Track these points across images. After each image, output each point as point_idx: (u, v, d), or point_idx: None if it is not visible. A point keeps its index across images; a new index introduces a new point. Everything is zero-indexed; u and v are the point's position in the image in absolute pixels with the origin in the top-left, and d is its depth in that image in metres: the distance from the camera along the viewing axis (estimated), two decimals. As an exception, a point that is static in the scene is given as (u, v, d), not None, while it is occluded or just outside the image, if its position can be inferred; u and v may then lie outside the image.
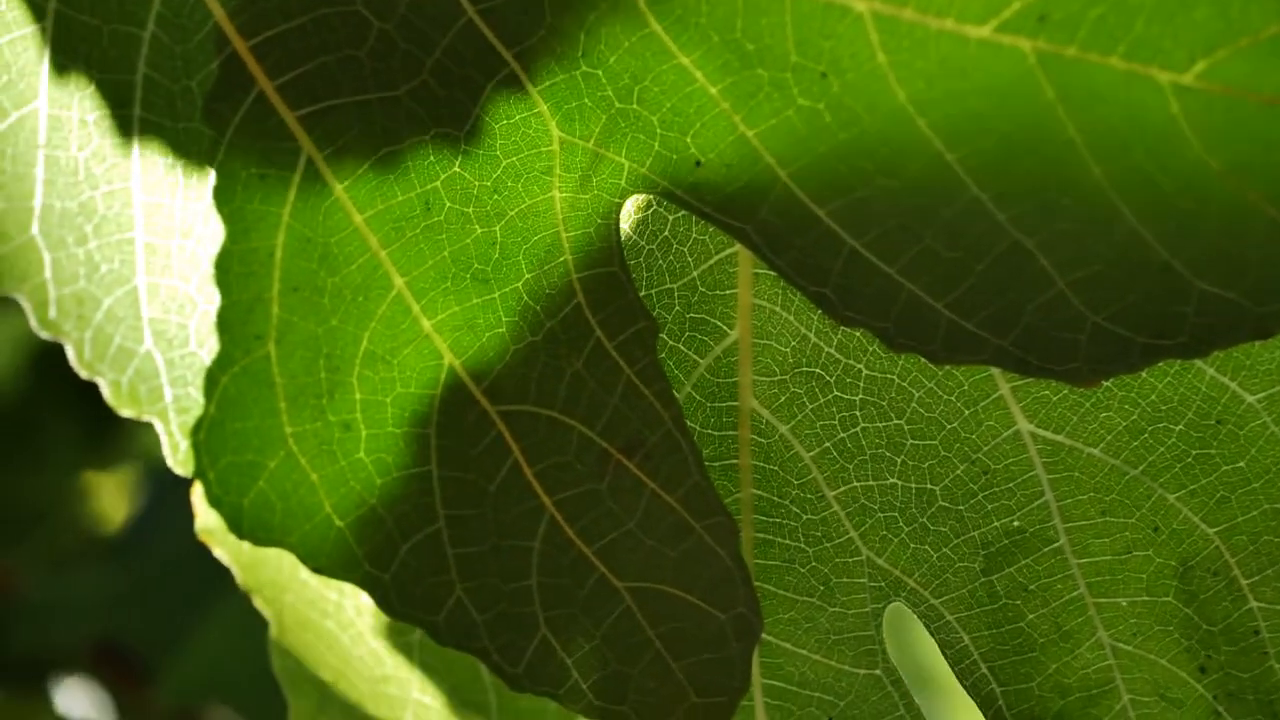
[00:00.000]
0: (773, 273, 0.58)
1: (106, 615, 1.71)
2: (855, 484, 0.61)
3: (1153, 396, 0.60)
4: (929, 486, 0.61)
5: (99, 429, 1.99)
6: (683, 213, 0.60)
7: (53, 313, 0.58)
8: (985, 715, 0.61)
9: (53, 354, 1.97)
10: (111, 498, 2.03)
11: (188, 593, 1.70)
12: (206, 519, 0.67)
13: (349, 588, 0.67)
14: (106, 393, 0.60)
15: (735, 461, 0.62)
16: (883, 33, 0.51)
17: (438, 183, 0.57)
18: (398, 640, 0.70)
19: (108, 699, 1.84)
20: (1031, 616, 0.61)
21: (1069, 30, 0.50)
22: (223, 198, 0.58)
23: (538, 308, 0.57)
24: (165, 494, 1.83)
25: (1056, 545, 0.61)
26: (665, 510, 0.56)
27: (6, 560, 1.84)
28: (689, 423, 0.57)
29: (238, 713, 1.69)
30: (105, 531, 1.99)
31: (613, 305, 0.56)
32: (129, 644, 1.71)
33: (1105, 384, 0.60)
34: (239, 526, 0.59)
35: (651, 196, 0.59)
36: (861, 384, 0.61)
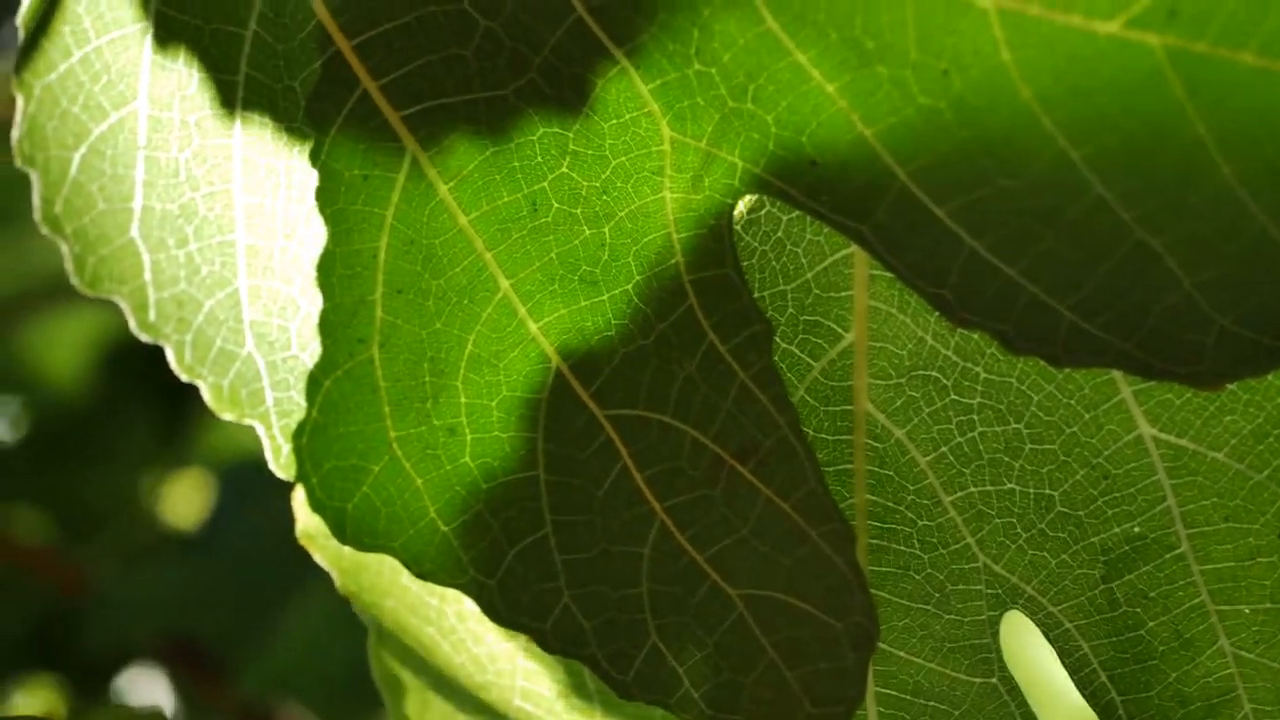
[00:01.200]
0: (889, 274, 0.57)
1: (180, 612, 1.71)
2: (972, 489, 0.60)
3: (1279, 400, 0.59)
4: (1048, 492, 0.60)
5: (171, 426, 2.00)
6: (797, 213, 0.59)
7: (152, 315, 0.58)
8: (1103, 724, 0.60)
9: (125, 351, 1.97)
10: (184, 494, 2.04)
11: (261, 589, 1.70)
12: (307, 523, 0.67)
13: (450, 593, 0.67)
14: (207, 396, 0.59)
15: (849, 466, 0.61)
16: (1008, 29, 0.50)
17: (545, 183, 0.57)
18: (500, 646, 0.69)
19: (181, 695, 1.85)
20: (1152, 624, 0.60)
21: (1200, 26, 0.49)
22: (326, 199, 0.58)
23: (648, 310, 0.56)
24: (238, 491, 1.84)
25: (1178, 551, 0.60)
26: (780, 517, 0.55)
27: (79, 557, 1.85)
28: (802, 427, 0.56)
29: (311, 710, 1.70)
30: (178, 528, 2.00)
31: (726, 308, 0.56)
32: (202, 640, 1.71)
33: (1230, 387, 0.58)
34: (343, 531, 0.58)
35: (764, 197, 0.58)
36: (979, 387, 0.60)
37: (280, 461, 0.59)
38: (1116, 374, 0.59)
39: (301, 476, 0.58)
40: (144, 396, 1.96)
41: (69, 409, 1.99)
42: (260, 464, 0.62)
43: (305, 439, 0.58)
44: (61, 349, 2.01)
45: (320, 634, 1.61)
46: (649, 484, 0.57)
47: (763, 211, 0.59)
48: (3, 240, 2.01)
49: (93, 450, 1.97)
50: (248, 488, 1.81)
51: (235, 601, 1.70)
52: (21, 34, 0.59)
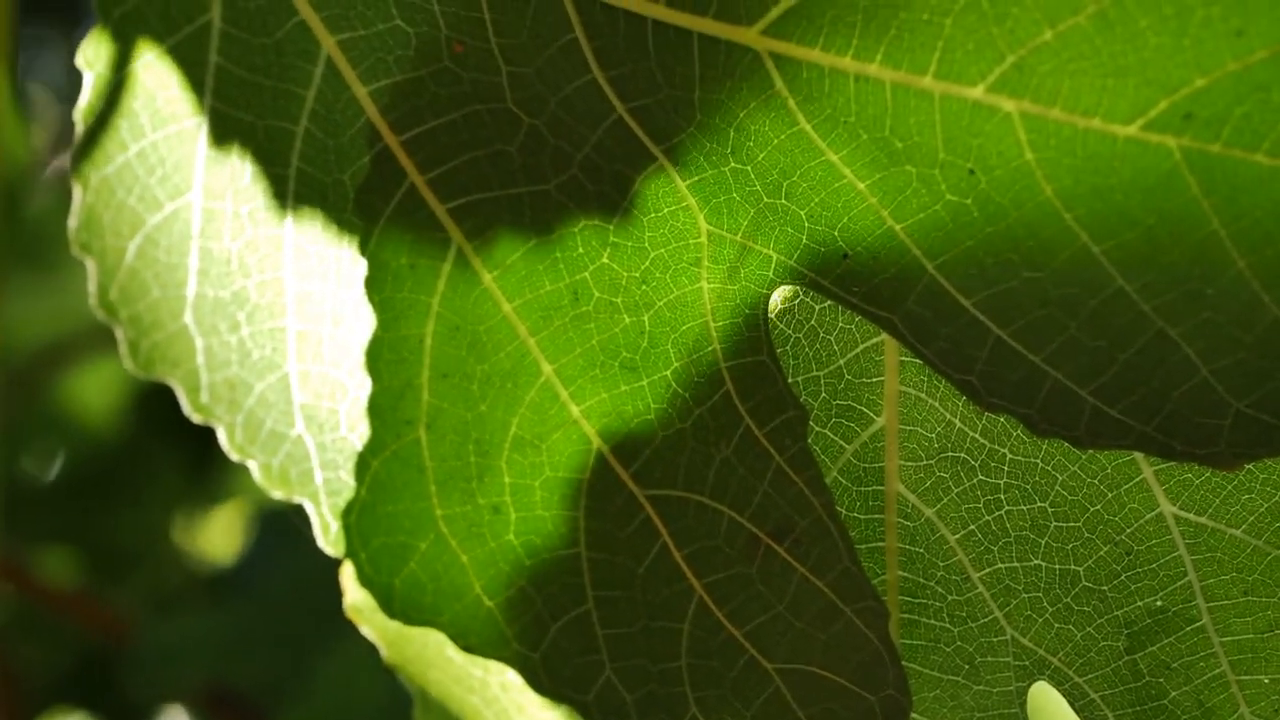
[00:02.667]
0: (918, 360, 0.59)
1: (217, 657, 1.71)
2: (1000, 565, 0.62)
3: (1294, 478, 0.61)
4: (1073, 567, 0.62)
5: (203, 466, 2.01)
6: (829, 302, 0.61)
7: (205, 397, 0.60)
8: (1128, 789, 0.62)
9: (156, 394, 1.99)
10: (217, 537, 2.05)
11: (299, 635, 1.70)
12: (355, 597, 0.69)
13: (494, 665, 0.69)
14: (258, 475, 0.61)
15: (881, 544, 0.63)
16: (1030, 131, 0.52)
17: (586, 273, 0.59)
18: (542, 716, 0.71)
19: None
20: (1174, 694, 0.62)
21: (1214, 128, 0.51)
22: (374, 287, 0.59)
23: (686, 395, 0.58)
24: (273, 531, 1.84)
25: (1199, 624, 0.62)
26: (815, 594, 0.57)
27: (114, 603, 1.86)
28: (835, 506, 0.58)
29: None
30: (211, 571, 2.01)
31: (762, 394, 0.58)
32: (240, 687, 1.72)
33: (1247, 467, 0.60)
34: (390, 606, 0.60)
35: (798, 287, 0.60)
36: (1006, 468, 0.62)
37: (329, 539, 0.61)
38: (1138, 454, 0.61)
39: (350, 553, 0.60)
40: (176, 437, 1.97)
41: (101, 451, 2.00)
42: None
43: (354, 517, 0.60)
44: (93, 391, 2.03)
45: (358, 682, 1.62)
46: (688, 561, 0.59)
47: (796, 300, 0.61)
48: (35, 285, 2.03)
49: (125, 491, 1.98)
50: (282, 528, 1.82)
51: (273, 647, 1.70)
52: (79, 128, 0.61)
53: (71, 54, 0.61)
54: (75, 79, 0.61)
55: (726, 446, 0.58)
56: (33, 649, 1.83)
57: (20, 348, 2.02)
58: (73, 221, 0.59)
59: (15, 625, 1.80)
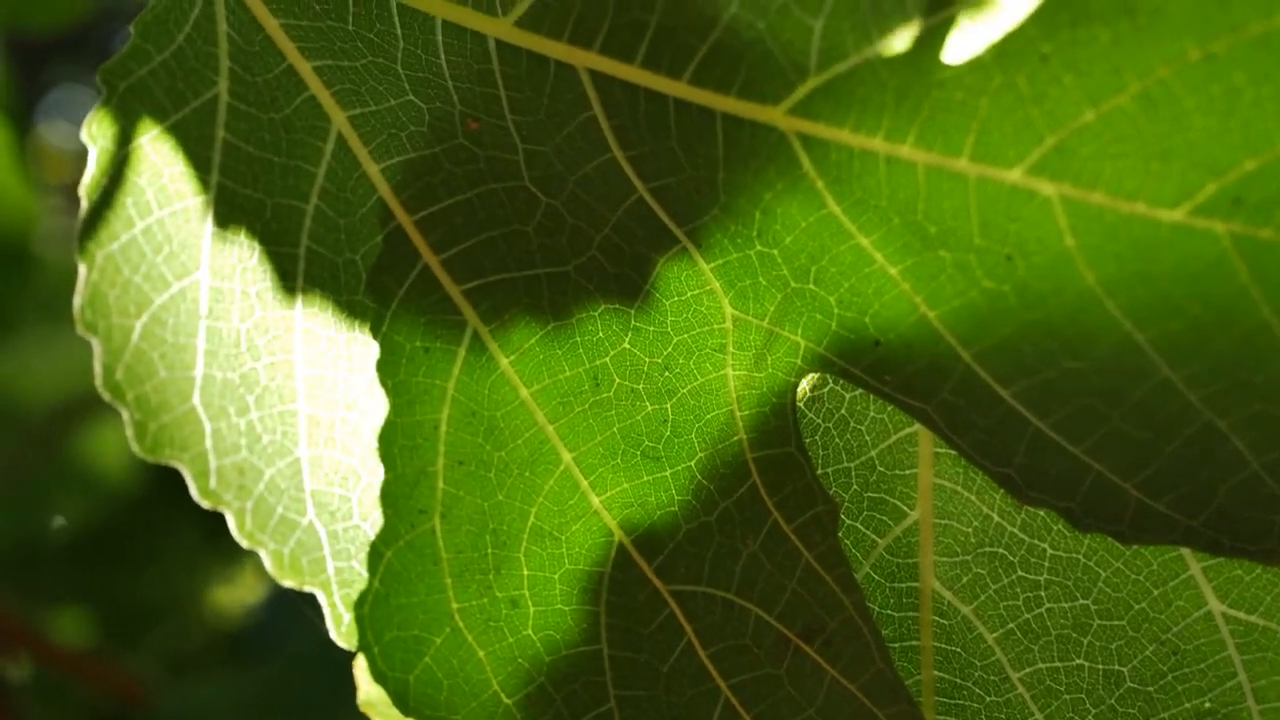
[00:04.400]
0: (954, 452, 0.57)
1: (236, 720, 1.69)
2: (1040, 665, 0.60)
3: (1349, 575, 0.59)
4: (1117, 667, 0.59)
5: (222, 525, 1.99)
6: (860, 390, 0.59)
7: (213, 482, 0.58)
8: None
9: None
10: (236, 596, 2.03)
11: (318, 696, 1.68)
12: (369, 692, 0.66)
13: (513, 760, 0.67)
14: (268, 563, 0.59)
15: (916, 643, 0.60)
16: (1071, 216, 0.50)
17: (607, 358, 0.57)
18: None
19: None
20: (1223, 799, 0.59)
21: (1264, 213, 0.48)
22: (387, 370, 0.58)
23: (711, 487, 0.56)
24: (290, 593, 1.83)
25: (1250, 727, 0.59)
26: (846, 697, 0.55)
27: (130, 664, 1.84)
28: (867, 603, 0.56)
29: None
30: (229, 630, 1.99)
31: (790, 487, 0.55)
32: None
33: (1300, 563, 0.58)
34: (404, 702, 0.58)
35: (827, 374, 0.58)
36: (1046, 564, 0.59)
37: (341, 630, 0.59)
38: (1185, 550, 0.59)
39: (363, 646, 0.58)
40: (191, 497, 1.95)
41: (118, 508, 1.98)
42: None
43: (367, 609, 0.58)
44: (110, 447, 2.01)
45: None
46: (713, 661, 0.56)
47: (825, 388, 0.59)
48: (52, 337, 2.02)
49: (142, 550, 1.96)
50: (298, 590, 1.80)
51: (293, 710, 1.68)
52: (84, 204, 0.59)
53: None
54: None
55: (753, 541, 0.56)
56: (47, 712, 1.81)
57: (36, 403, 2.01)
58: (78, 299, 0.58)
59: (29, 687, 1.79)
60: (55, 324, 2.01)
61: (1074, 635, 0.59)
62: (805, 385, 0.59)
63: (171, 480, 2.01)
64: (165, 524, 1.98)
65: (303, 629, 1.76)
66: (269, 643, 1.82)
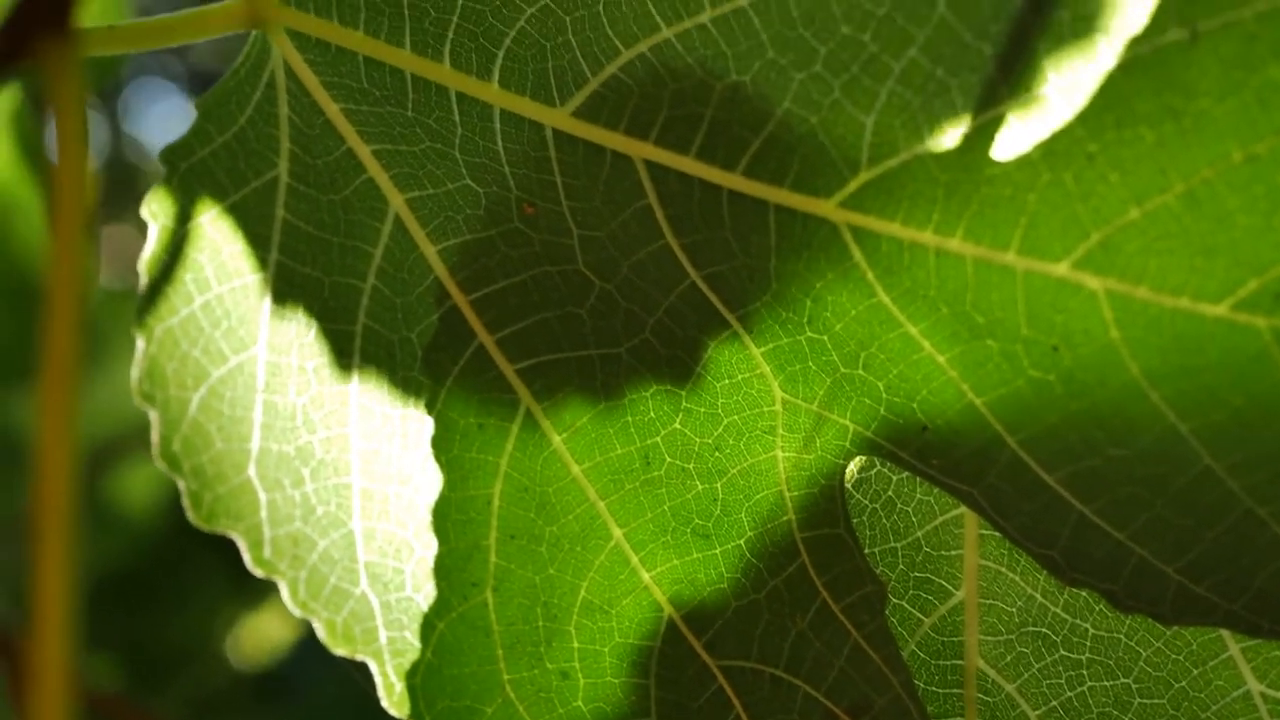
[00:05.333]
0: (999, 534, 0.58)
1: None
2: (1082, 742, 0.61)
3: (1386, 656, 0.60)
4: (1157, 745, 0.60)
5: (246, 570, 1.99)
6: (907, 473, 0.60)
7: (267, 552, 0.59)
8: None
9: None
10: (263, 639, 2.04)
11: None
12: (420, 758, 0.67)
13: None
14: (321, 632, 0.60)
15: (960, 720, 0.61)
16: (1116, 309, 0.51)
17: (658, 438, 0.58)
18: None
19: None
20: None
21: (1306, 307, 0.50)
22: (441, 446, 0.59)
23: (760, 565, 0.57)
24: (315, 636, 1.82)
25: (1287, 805, 0.60)
26: (893, 773, 0.56)
27: (157, 708, 1.84)
28: (913, 680, 0.57)
29: None
30: (257, 674, 2.00)
31: (839, 568, 0.57)
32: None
33: (1337, 645, 0.59)
34: (456, 770, 0.59)
35: (875, 457, 0.59)
36: (1088, 643, 0.60)
37: (393, 699, 0.60)
38: (1224, 631, 0.60)
39: (415, 715, 0.59)
40: (217, 538, 1.95)
41: (145, 551, 1.99)
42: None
43: (419, 679, 0.59)
44: (137, 489, 2.02)
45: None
46: None
47: (873, 470, 0.60)
48: (82, 383, 2.03)
49: (169, 593, 1.97)
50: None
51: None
52: (144, 279, 0.60)
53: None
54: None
55: (802, 619, 0.57)
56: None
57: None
58: (135, 371, 0.59)
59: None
60: (83, 365, 2.02)
61: (1115, 713, 0.60)
62: (853, 466, 0.60)
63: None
64: (191, 566, 1.99)
65: (329, 672, 1.77)
66: (296, 686, 1.82)
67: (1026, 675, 0.60)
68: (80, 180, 0.38)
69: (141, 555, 2.01)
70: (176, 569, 2.00)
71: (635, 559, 0.58)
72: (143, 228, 0.60)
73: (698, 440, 0.58)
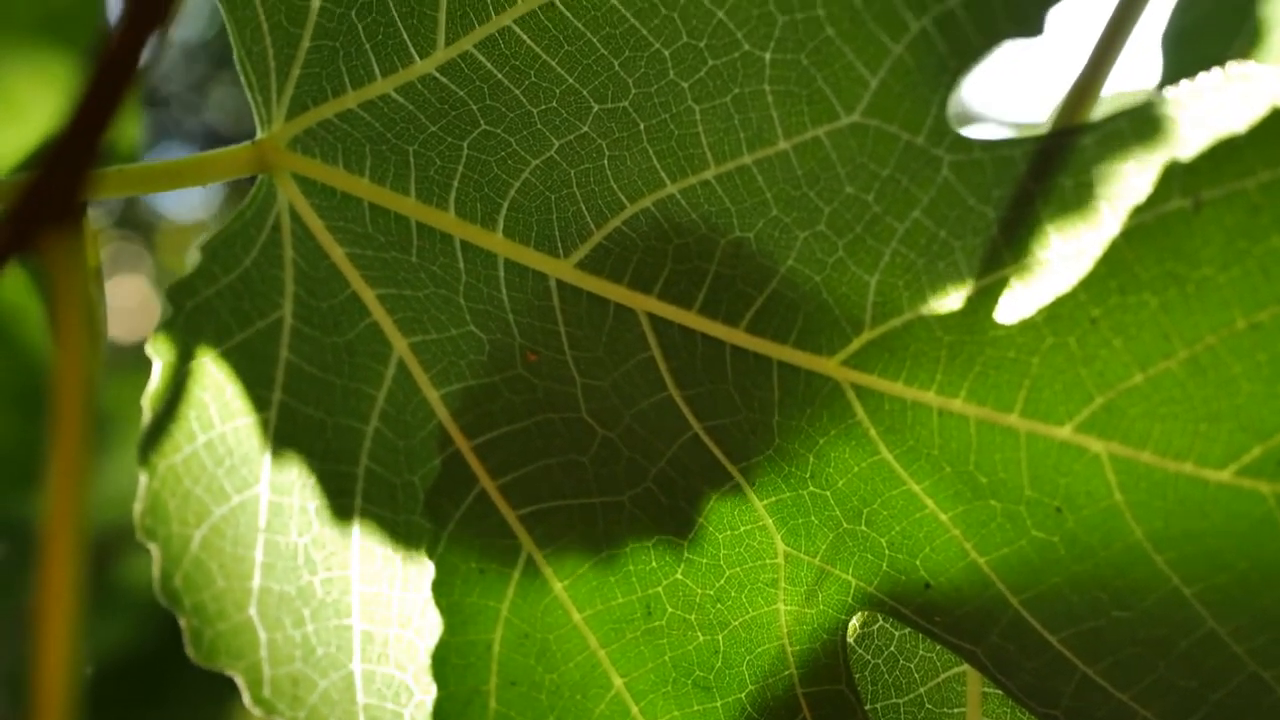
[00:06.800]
0: (1001, 692, 0.57)
1: None
2: None
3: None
4: None
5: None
6: (909, 629, 0.60)
7: (266, 691, 0.59)
8: None
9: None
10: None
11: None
12: None
13: None
14: (320, 772, 0.60)
15: None
16: (1120, 473, 0.51)
17: (659, 588, 0.58)
18: None
19: None
20: None
21: (1310, 474, 0.49)
22: (441, 590, 0.59)
23: None
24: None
25: None
26: None
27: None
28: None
29: None
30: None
31: (840, 724, 0.56)
32: None
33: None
34: None
35: (878, 612, 0.59)
36: (1090, 801, 0.60)
37: (391, 842, 0.59)
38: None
39: None
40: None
41: (146, 643, 1.98)
42: None
43: (417, 824, 0.59)
44: (140, 574, 2.02)
45: None
46: None
47: (876, 626, 0.60)
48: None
49: (172, 680, 1.96)
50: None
51: None
52: (146, 414, 0.60)
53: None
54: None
55: (803, 775, 0.57)
56: None
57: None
58: (138, 506, 0.59)
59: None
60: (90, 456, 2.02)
61: None
62: (855, 622, 0.60)
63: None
64: (184, 666, 1.97)
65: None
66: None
67: (1029, 834, 0.60)
68: (83, 379, 0.38)
69: (146, 640, 2.00)
70: (181, 655, 1.98)
71: (635, 709, 0.58)
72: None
73: (699, 591, 0.57)
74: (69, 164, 0.34)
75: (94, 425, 0.39)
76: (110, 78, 0.33)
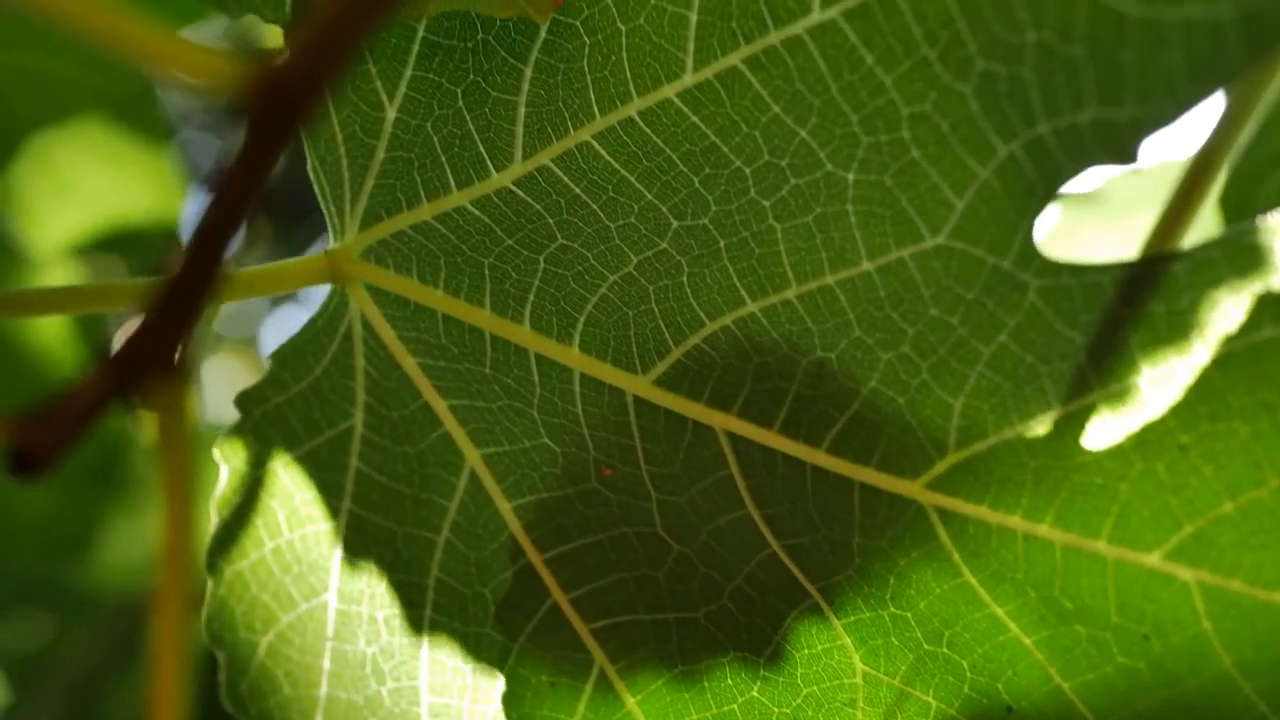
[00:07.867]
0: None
1: None
2: None
3: None
4: None
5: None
6: (990, 753, 0.59)
7: (333, 800, 0.58)
8: None
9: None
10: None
11: None
12: None
13: None
14: None
15: None
16: (1209, 601, 0.50)
17: (735, 705, 0.57)
18: None
19: None
20: None
21: (1403, 605, 0.49)
22: (512, 703, 0.58)
23: (840, 841, 0.56)
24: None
25: None
26: None
27: None
28: None
29: None
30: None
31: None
32: None
33: None
34: None
35: (957, 734, 0.58)
36: None
37: None
38: None
39: None
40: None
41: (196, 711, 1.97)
42: None
43: None
44: (196, 643, 2.00)
45: None
46: None
47: (953, 747, 0.59)
48: (126, 534, 2.02)
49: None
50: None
51: None
52: (214, 519, 0.60)
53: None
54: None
55: None
56: None
57: (105, 596, 2.01)
58: (204, 611, 0.59)
59: None
60: (128, 517, 2.02)
61: None
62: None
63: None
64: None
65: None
66: None
67: None
68: (187, 527, 0.37)
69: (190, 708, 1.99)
70: (213, 725, 1.98)
71: (711, 827, 0.57)
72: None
73: (775, 710, 0.57)
74: (177, 310, 0.34)
75: (193, 585, 0.39)
76: (223, 219, 0.33)
